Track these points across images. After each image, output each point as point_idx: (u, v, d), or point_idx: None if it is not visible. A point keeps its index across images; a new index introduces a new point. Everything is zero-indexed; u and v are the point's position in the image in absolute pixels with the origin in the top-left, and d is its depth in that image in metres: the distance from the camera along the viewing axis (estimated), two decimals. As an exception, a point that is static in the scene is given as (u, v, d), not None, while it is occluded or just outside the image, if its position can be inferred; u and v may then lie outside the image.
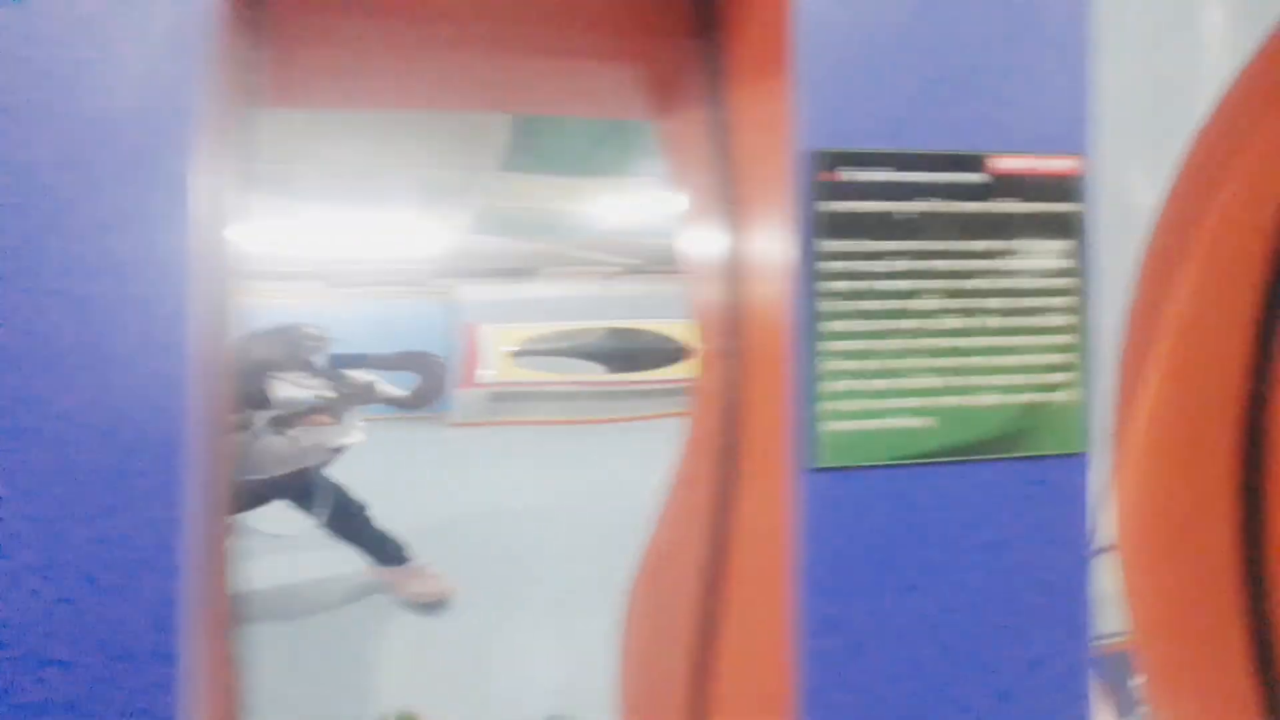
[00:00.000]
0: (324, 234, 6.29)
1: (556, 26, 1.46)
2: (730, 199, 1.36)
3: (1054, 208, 1.28)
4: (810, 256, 1.19)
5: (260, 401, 2.97)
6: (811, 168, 1.19)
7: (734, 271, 1.36)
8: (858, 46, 1.21)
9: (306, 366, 3.07)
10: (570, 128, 3.68)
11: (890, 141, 1.22)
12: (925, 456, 1.24)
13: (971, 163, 1.25)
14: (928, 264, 1.23)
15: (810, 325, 1.20)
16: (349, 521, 3.03)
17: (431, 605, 2.81)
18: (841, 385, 1.21)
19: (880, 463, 1.22)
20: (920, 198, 1.23)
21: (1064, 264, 1.28)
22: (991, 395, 1.26)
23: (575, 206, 5.39)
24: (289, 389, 3.08)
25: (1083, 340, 1.29)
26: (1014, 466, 1.27)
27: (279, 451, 2.89)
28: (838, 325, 1.20)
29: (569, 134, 3.79)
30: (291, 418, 2.98)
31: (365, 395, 3.31)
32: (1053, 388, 1.28)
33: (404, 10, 1.35)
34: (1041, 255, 1.27)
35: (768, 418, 1.27)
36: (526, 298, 8.67)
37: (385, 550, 3.03)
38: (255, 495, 2.93)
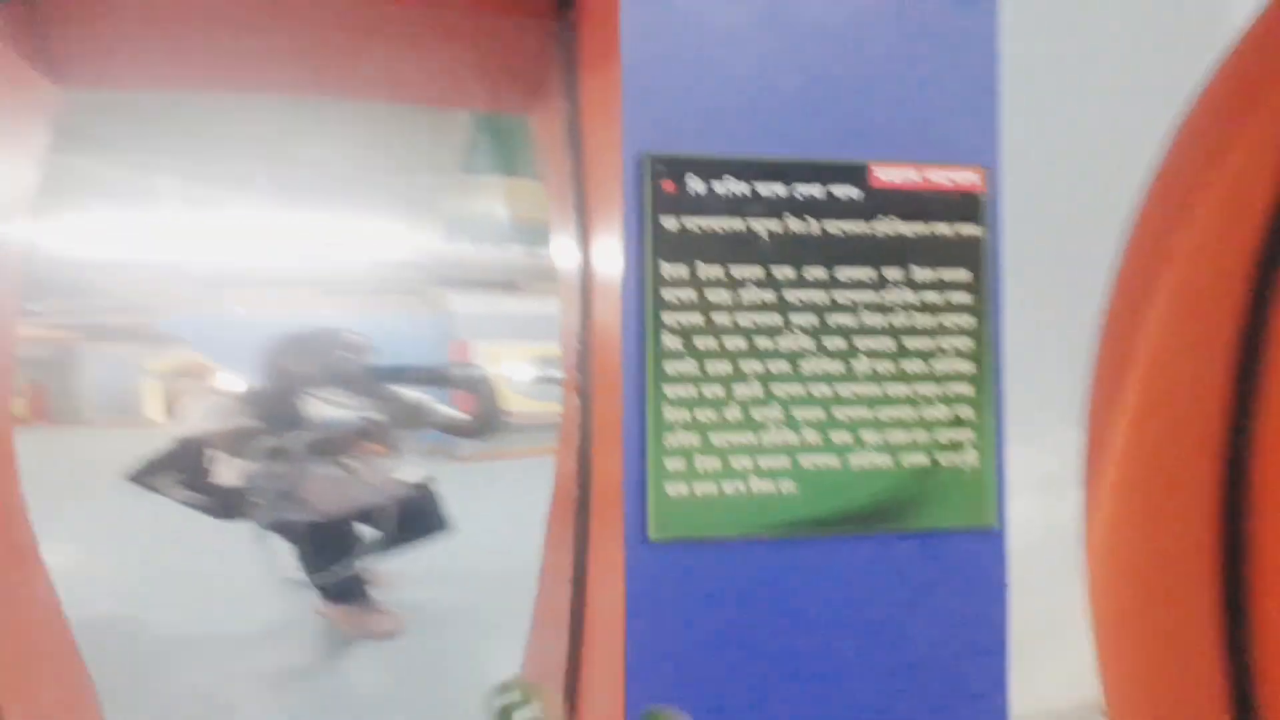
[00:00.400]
0: (299, 238, 5.99)
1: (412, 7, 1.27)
2: (580, 206, 1.15)
3: (950, 229, 1.06)
4: (645, 281, 0.98)
5: (291, 420, 2.57)
6: (646, 175, 0.98)
7: (584, 292, 1.15)
8: (705, 28, 1.00)
9: (345, 381, 2.62)
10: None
11: (743, 146, 1.01)
12: (783, 528, 1.01)
13: (848, 174, 1.04)
14: (792, 294, 1.02)
15: (644, 365, 0.98)
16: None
17: (383, 639, 2.56)
18: (681, 439, 0.99)
19: (726, 535, 1.00)
20: (782, 214, 1.02)
21: (963, 297, 1.06)
22: (870, 456, 1.03)
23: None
24: (326, 408, 2.66)
25: (985, 390, 1.07)
26: (899, 544, 1.05)
27: (338, 485, 2.47)
28: (679, 366, 0.99)
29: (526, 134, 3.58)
30: (338, 442, 2.56)
31: (419, 418, 2.79)
32: (950, 448, 1.06)
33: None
34: (934, 287, 1.06)
35: (603, 473, 1.06)
36: (517, 313, 7.56)
37: (356, 588, 2.72)
38: (305, 535, 2.57)
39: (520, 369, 7.00)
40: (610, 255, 1.03)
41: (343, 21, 1.28)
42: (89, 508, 4.59)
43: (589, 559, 1.11)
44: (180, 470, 2.30)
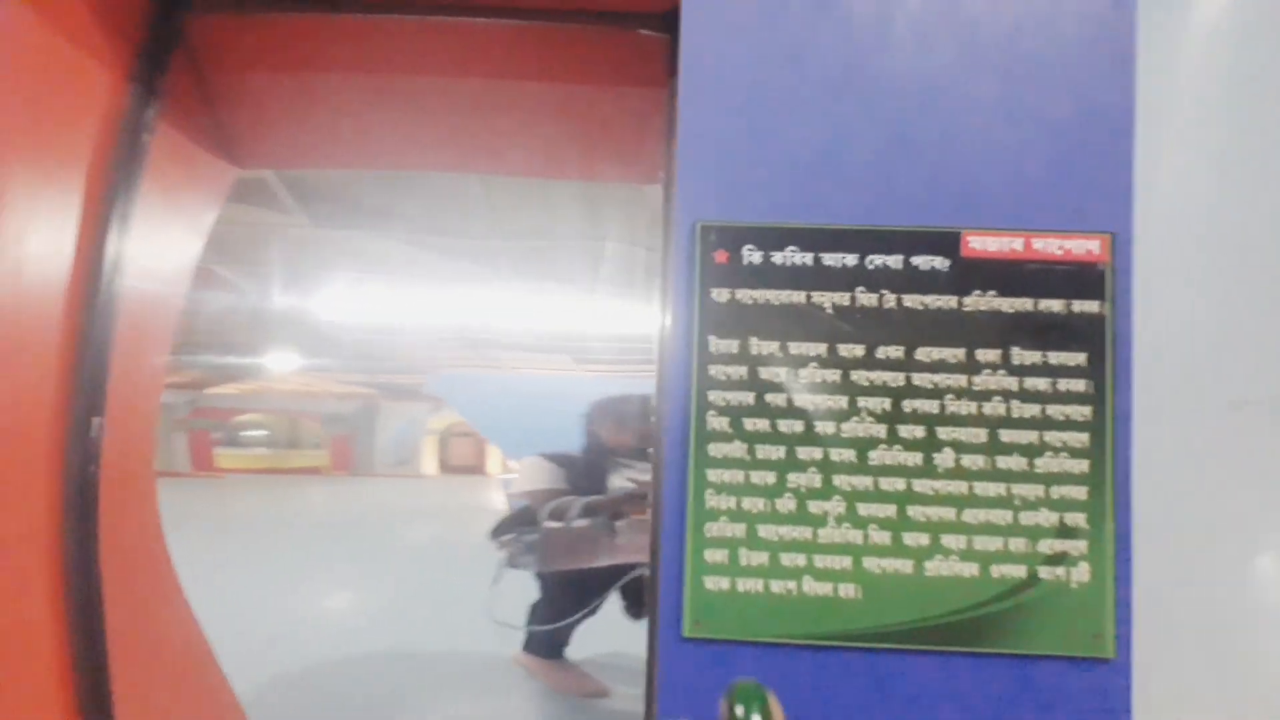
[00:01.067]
0: (535, 305, 6.38)
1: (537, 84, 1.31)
2: (664, 279, 1.10)
3: (1064, 305, 0.91)
4: (691, 356, 0.92)
5: (597, 487, 2.71)
6: (697, 244, 0.93)
7: (660, 368, 1.10)
8: (771, 90, 0.94)
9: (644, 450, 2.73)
10: None
11: (811, 215, 0.93)
12: (841, 637, 0.90)
13: (935, 242, 0.92)
14: (861, 375, 0.91)
15: (687, 446, 0.92)
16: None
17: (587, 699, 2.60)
18: (724, 530, 0.91)
19: (770, 638, 0.90)
20: (852, 288, 0.92)
21: (1077, 384, 0.91)
22: (951, 563, 0.90)
23: None
24: (629, 476, 2.79)
25: (1103, 494, 0.90)
26: (981, 666, 0.90)
27: (601, 544, 2.60)
28: (725, 448, 0.91)
29: None
30: (610, 504, 2.70)
31: None
32: (1054, 560, 0.90)
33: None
34: (1040, 371, 0.91)
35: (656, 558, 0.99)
36: None
37: (556, 645, 2.80)
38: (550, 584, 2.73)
39: None
40: (674, 330, 0.98)
41: (481, 100, 1.34)
42: (377, 551, 5.11)
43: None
44: (518, 529, 2.47)
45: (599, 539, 2.39)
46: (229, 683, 1.44)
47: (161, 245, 1.21)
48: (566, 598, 2.69)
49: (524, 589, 2.36)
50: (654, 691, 0.91)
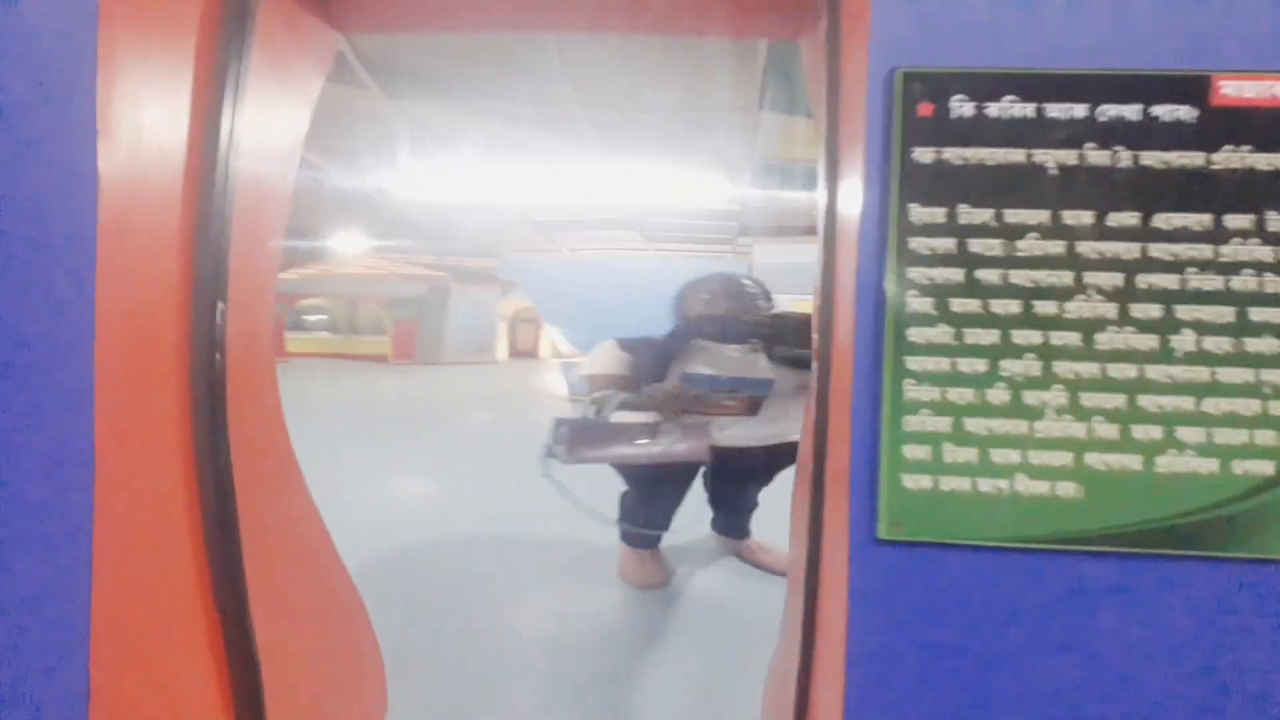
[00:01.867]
0: (619, 182, 5.99)
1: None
2: (831, 140, 0.97)
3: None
4: (888, 227, 0.81)
5: (662, 378, 2.50)
6: (897, 96, 0.80)
7: (828, 242, 0.98)
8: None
9: (739, 333, 2.60)
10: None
11: (1029, 59, 0.79)
12: (1058, 540, 0.80)
13: (1179, 88, 0.78)
14: (1090, 247, 0.79)
15: (882, 330, 0.81)
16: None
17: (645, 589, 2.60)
18: (926, 423, 0.81)
19: (978, 540, 0.81)
20: (1080, 144, 0.79)
21: (1343, 255, 0.78)
22: (1187, 459, 0.79)
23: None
24: (709, 363, 2.67)
25: (1369, 381, 0.78)
26: (1216, 572, 0.80)
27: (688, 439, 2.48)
28: (928, 333, 0.81)
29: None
30: (647, 403, 2.56)
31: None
32: (1304, 455, 0.79)
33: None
34: (1301, 239, 0.78)
35: (835, 457, 0.90)
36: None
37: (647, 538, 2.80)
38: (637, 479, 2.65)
39: None
40: (849, 199, 0.86)
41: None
42: (446, 439, 5.12)
43: (821, 555, 0.96)
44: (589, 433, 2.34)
45: (631, 436, 2.28)
46: (348, 572, 1.41)
47: (274, 118, 1.10)
48: (643, 493, 2.65)
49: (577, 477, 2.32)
50: (845, 598, 0.83)
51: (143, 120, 0.83)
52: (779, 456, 2.59)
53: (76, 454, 0.78)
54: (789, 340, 2.45)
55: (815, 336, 1.08)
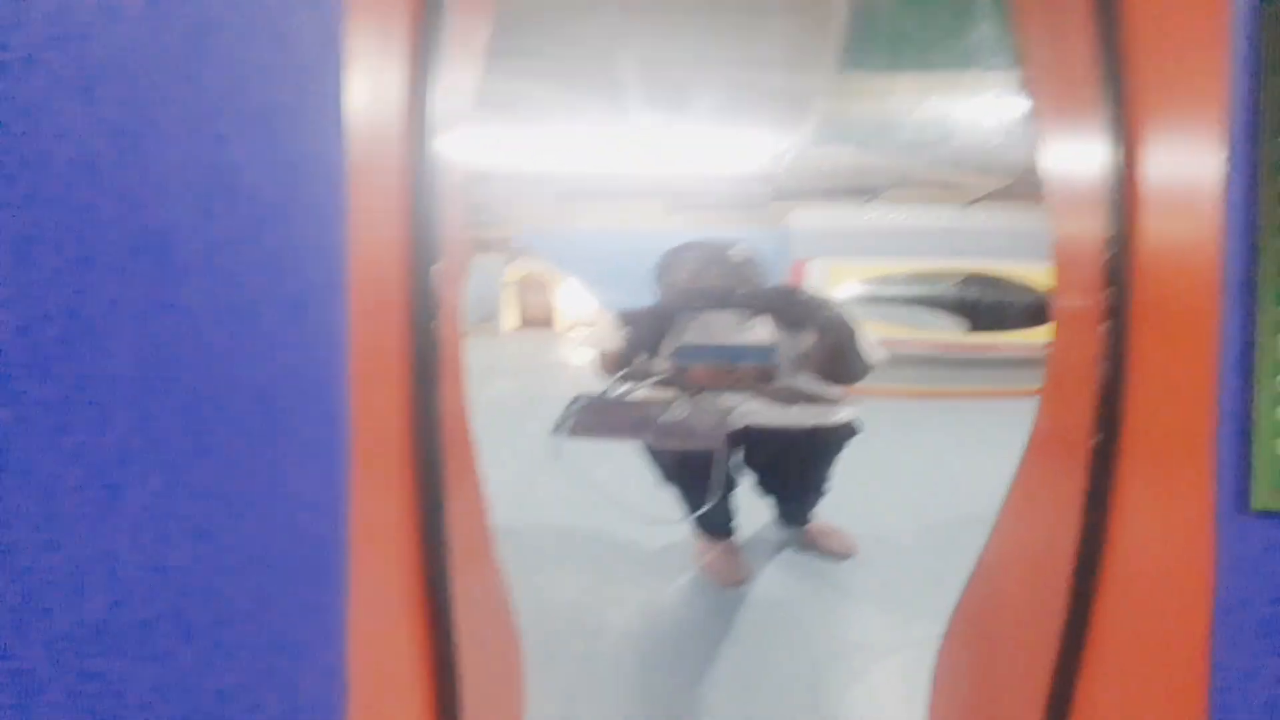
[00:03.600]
0: (649, 146, 5.69)
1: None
2: (1116, 80, 0.89)
3: None
4: (1259, 166, 0.72)
5: (657, 350, 2.37)
6: (1271, 16, 0.71)
7: (1119, 195, 0.89)
8: None
9: (728, 304, 2.33)
10: (919, 10, 3.01)
11: None
12: None
13: None
14: None
15: (1251, 282, 0.73)
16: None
17: (727, 586, 2.48)
18: (1299, 383, 0.73)
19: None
20: None
21: None
22: None
23: (925, 109, 4.46)
24: (701, 332, 2.41)
25: None
26: None
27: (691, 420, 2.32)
28: (1303, 283, 0.72)
29: (916, 18, 3.11)
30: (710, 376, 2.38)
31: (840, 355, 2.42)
32: None
33: None
34: None
35: (1166, 421, 0.82)
36: (863, 227, 6.72)
37: (713, 524, 2.66)
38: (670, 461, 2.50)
39: (857, 289, 6.53)
40: (1188, 140, 0.78)
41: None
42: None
43: (1114, 527, 0.88)
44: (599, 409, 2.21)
45: (640, 413, 2.14)
46: (500, 565, 1.35)
47: (456, 77, 1.02)
48: (677, 481, 2.53)
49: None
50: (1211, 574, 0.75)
51: (378, 72, 0.76)
52: (824, 439, 2.47)
53: (332, 444, 0.71)
54: (796, 313, 2.33)
55: (1066, 300, 1.00)
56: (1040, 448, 1.09)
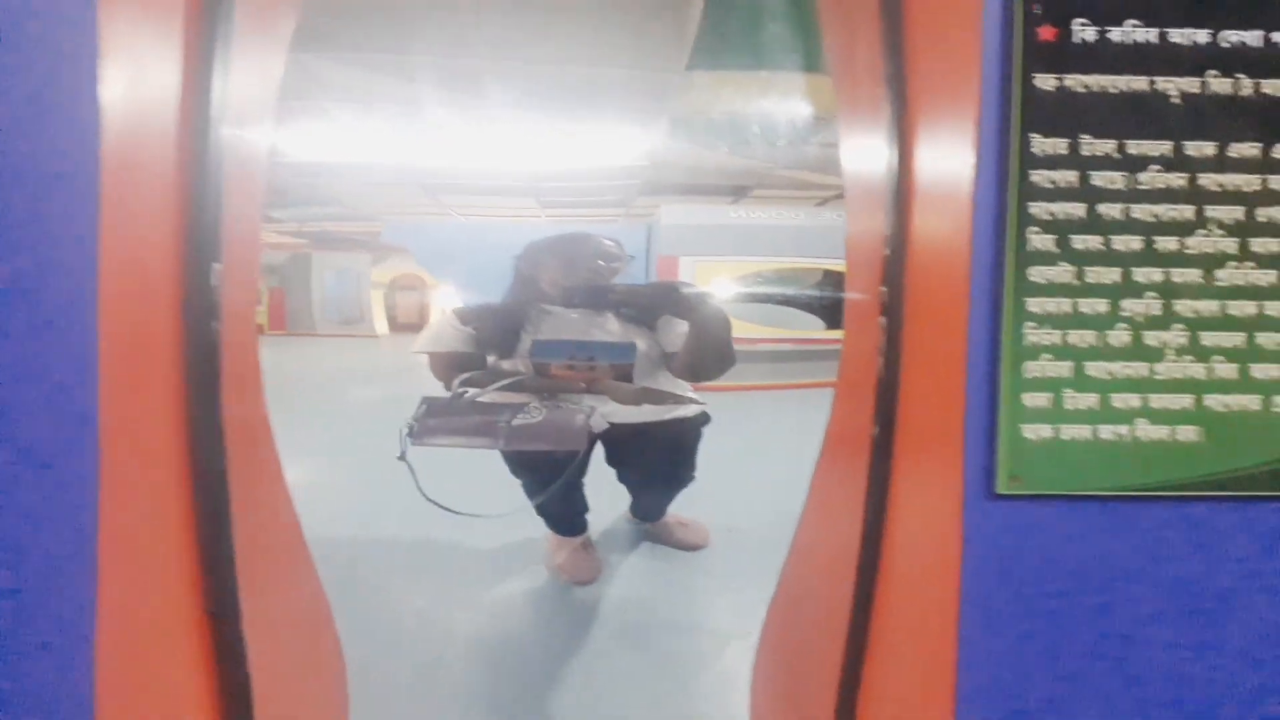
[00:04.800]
0: (513, 140, 5.61)
1: None
2: (898, 80, 0.91)
3: None
4: (1009, 160, 0.75)
5: (512, 349, 2.28)
6: (1017, 18, 0.75)
7: (897, 191, 0.92)
8: None
9: (597, 298, 2.22)
10: (769, 11, 3.05)
11: (1155, -24, 0.75)
12: (1180, 486, 0.78)
13: (1297, 14, 0.76)
14: (1211, 180, 0.76)
15: (1001, 271, 0.76)
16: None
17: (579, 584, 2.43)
18: (1047, 369, 0.77)
19: (1104, 491, 0.78)
20: (1203, 71, 0.76)
21: None
22: (1303, 396, 0.78)
23: (778, 110, 4.52)
24: (557, 328, 2.32)
25: None
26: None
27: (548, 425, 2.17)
28: (1049, 273, 0.76)
29: (766, 19, 3.15)
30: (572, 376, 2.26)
31: (714, 348, 2.46)
32: None
33: None
34: None
35: (928, 409, 0.85)
36: (729, 225, 6.87)
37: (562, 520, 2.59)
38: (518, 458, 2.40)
39: (732, 288, 6.62)
40: (954, 131, 0.81)
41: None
42: (322, 420, 4.84)
43: (891, 515, 0.91)
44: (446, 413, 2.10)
45: (492, 417, 2.07)
46: (314, 566, 1.29)
47: (254, 64, 0.98)
48: (525, 476, 2.42)
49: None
50: (957, 557, 0.79)
51: (141, 61, 0.72)
52: (683, 430, 2.48)
53: (79, 433, 0.67)
54: (665, 310, 2.32)
55: (853, 295, 1.03)
56: (834, 441, 1.12)
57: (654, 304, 2.30)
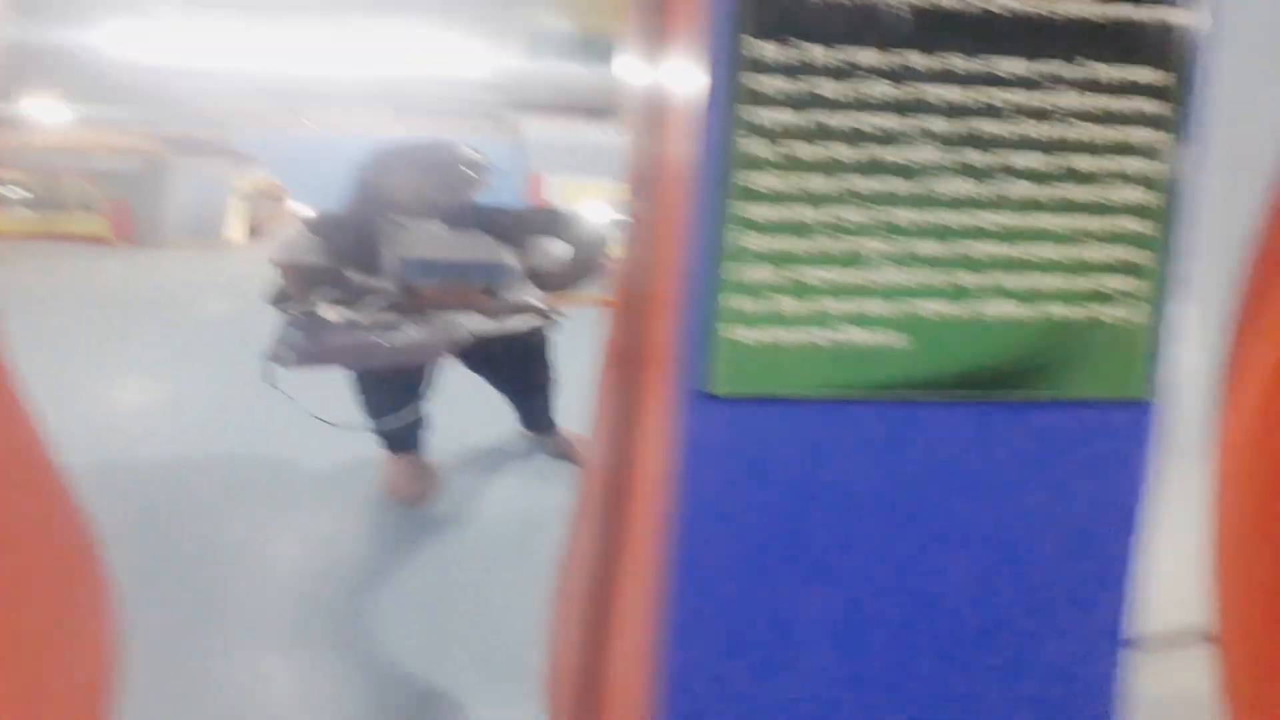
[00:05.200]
0: (375, 51, 5.40)
1: None
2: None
3: (1145, 12, 0.79)
4: (729, 65, 0.76)
5: (373, 260, 2.18)
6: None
7: (654, 97, 0.92)
8: None
9: (458, 213, 2.19)
10: None
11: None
12: (886, 389, 0.82)
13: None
14: (929, 90, 0.78)
15: (718, 177, 0.77)
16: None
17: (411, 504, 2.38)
18: (759, 274, 0.79)
19: (810, 393, 0.81)
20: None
21: (1152, 106, 0.80)
22: (1001, 304, 0.81)
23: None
24: (427, 245, 2.22)
25: (1166, 229, 0.82)
26: (1027, 414, 0.84)
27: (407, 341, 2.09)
28: (765, 179, 0.77)
29: None
30: (439, 292, 2.20)
31: (578, 269, 2.40)
32: (1104, 299, 0.82)
33: None
34: (1119, 90, 0.79)
35: (660, 315, 0.87)
36: (598, 145, 6.38)
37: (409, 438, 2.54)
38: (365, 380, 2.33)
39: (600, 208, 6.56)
40: (686, 38, 0.81)
41: None
42: (171, 336, 4.66)
43: (634, 420, 0.94)
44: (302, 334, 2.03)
45: (365, 334, 2.02)
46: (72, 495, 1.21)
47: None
48: (372, 386, 2.36)
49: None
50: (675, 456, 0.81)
51: None
52: (538, 337, 2.48)
53: None
54: (543, 232, 2.32)
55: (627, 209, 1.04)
56: (608, 359, 1.13)
57: (533, 226, 2.28)
